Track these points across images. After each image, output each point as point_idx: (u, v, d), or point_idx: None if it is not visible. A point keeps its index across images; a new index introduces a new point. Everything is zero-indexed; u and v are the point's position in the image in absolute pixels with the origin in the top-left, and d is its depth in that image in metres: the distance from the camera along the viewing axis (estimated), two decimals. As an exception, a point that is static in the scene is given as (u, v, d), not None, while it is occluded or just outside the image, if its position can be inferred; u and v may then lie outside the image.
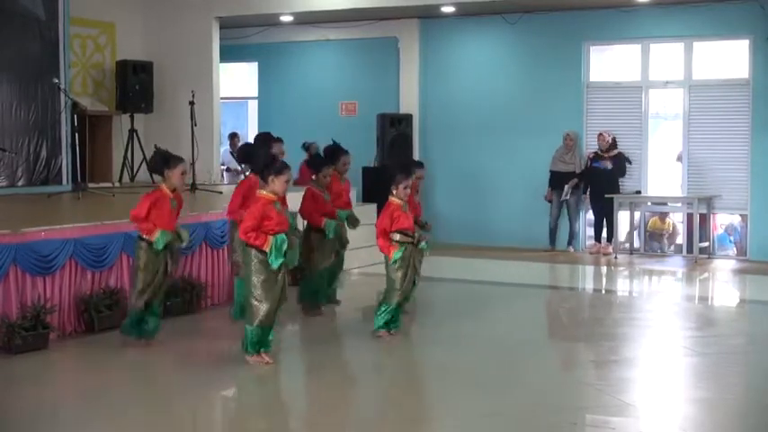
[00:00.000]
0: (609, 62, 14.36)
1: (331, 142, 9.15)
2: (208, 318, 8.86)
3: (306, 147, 12.63)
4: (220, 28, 14.42)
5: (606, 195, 13.27)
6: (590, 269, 12.60)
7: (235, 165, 15.52)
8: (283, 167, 6.81)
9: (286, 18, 14.80)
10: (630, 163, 13.54)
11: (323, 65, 15.80)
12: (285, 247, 6.66)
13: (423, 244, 7.71)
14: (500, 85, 14.39)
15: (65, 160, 12.06)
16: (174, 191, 7.30)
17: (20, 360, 7.00)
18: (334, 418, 5.93)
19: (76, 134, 11.13)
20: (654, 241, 14.15)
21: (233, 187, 13.89)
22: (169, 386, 6.68)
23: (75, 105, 11.20)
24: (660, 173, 14.01)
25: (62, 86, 11.55)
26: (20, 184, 11.67)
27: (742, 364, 7.43)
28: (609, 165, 13.38)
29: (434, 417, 6.06)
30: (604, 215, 13.54)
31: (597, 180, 13.48)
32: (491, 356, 7.44)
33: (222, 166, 15.21)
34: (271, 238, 6.63)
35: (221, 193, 11.97)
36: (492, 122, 14.37)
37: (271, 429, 5.86)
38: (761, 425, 5.86)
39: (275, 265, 6.65)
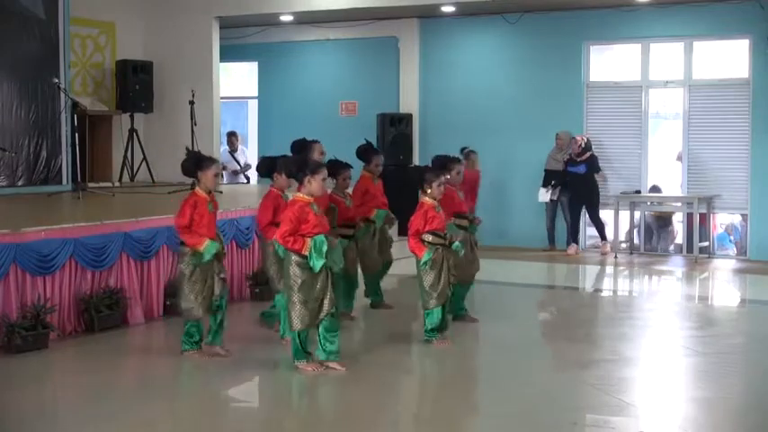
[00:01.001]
0: (609, 62, 14.36)
1: (366, 142, 8.99)
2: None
3: (465, 154, 12.06)
4: (220, 28, 14.43)
5: (609, 195, 13.32)
6: (589, 269, 12.59)
7: (234, 165, 15.53)
8: (318, 166, 6.62)
9: (286, 18, 14.81)
10: (599, 170, 13.51)
11: (323, 65, 15.80)
12: (325, 248, 6.44)
13: (456, 244, 7.47)
14: (500, 85, 14.39)
15: (65, 160, 12.06)
16: (209, 193, 7.03)
17: (20, 360, 6.99)
18: (333, 418, 5.93)
19: (76, 134, 11.14)
20: (660, 228, 14.14)
21: (233, 187, 13.96)
22: (169, 386, 6.67)
23: (75, 105, 11.20)
24: (660, 173, 14.02)
25: (62, 86, 11.54)
26: (20, 183, 11.68)
27: (742, 364, 7.43)
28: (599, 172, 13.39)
29: (434, 415, 6.06)
30: (580, 217, 13.60)
31: (574, 184, 13.48)
32: (491, 356, 7.44)
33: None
34: (309, 241, 6.42)
35: (221, 192, 11.97)
36: (492, 122, 14.36)
37: (271, 429, 5.86)
38: (760, 424, 5.86)
39: (316, 268, 6.44)
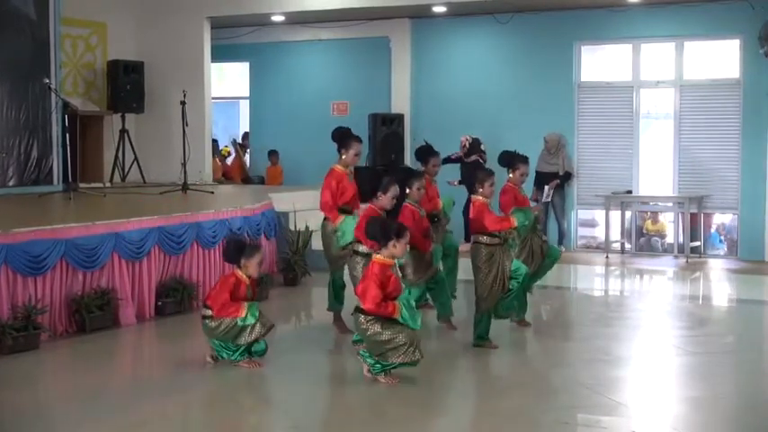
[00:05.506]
0: (600, 62, 14.39)
1: (423, 143, 9.03)
2: (199, 318, 8.82)
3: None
4: (212, 28, 14.43)
5: (600, 195, 13.31)
6: (581, 269, 12.61)
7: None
8: (403, 230, 6.48)
9: (278, 18, 14.81)
10: (485, 170, 13.36)
11: (314, 65, 15.80)
12: (413, 302, 6.47)
13: (510, 241, 7.47)
14: (491, 85, 14.41)
15: (56, 160, 12.03)
16: (249, 277, 6.96)
17: (11, 361, 6.97)
18: (326, 418, 5.93)
19: (67, 134, 11.11)
20: (652, 241, 14.17)
21: (226, 188, 13.94)
22: (161, 386, 6.65)
23: (66, 105, 11.17)
24: (651, 172, 14.04)
25: (53, 86, 11.51)
26: (11, 184, 11.64)
27: (733, 364, 7.45)
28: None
29: (427, 416, 6.06)
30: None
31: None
32: (482, 355, 7.45)
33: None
34: (399, 305, 6.36)
35: (212, 193, 11.96)
36: (483, 122, 14.36)
37: (264, 429, 5.85)
38: (751, 424, 5.87)
39: (417, 327, 6.40)
